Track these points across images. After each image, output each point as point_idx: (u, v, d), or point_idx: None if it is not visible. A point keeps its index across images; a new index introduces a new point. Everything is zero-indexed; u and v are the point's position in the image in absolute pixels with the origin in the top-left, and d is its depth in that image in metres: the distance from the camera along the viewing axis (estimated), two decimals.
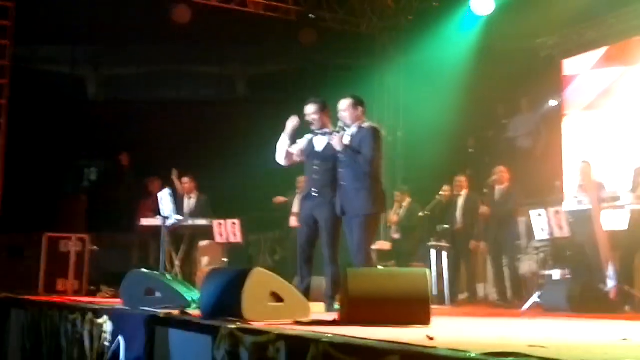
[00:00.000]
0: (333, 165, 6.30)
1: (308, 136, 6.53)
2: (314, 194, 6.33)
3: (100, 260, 10.74)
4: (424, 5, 12.62)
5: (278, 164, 6.58)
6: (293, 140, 6.46)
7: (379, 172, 6.21)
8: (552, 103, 11.99)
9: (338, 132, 6.16)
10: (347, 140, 6.12)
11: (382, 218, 12.82)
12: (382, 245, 11.07)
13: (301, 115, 6.45)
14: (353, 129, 6.19)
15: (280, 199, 10.63)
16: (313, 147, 6.44)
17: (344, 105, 6.22)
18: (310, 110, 6.34)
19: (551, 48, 11.89)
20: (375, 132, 6.15)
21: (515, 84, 13.24)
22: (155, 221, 9.19)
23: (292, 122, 6.37)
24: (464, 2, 11.44)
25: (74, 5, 13.88)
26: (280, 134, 6.50)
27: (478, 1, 11.08)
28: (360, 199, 6.01)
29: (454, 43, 12.43)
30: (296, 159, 6.54)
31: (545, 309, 7.15)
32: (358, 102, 6.24)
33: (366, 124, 6.24)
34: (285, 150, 6.46)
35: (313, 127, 6.39)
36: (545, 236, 8.14)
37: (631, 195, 7.30)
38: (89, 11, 14.70)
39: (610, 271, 7.33)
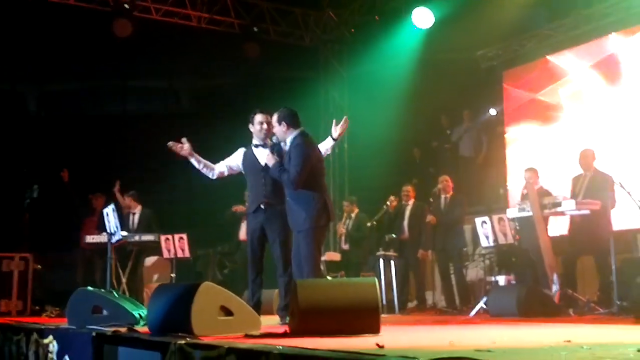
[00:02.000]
0: None
1: (241, 150, 6.48)
2: (262, 206, 6.31)
3: (44, 280, 10.49)
4: (365, 18, 12.77)
5: (223, 177, 6.58)
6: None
7: (316, 184, 5.96)
8: (492, 112, 12.22)
9: (272, 148, 6.09)
10: (270, 160, 6.00)
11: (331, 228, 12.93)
12: (331, 256, 11.12)
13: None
14: (287, 142, 6.04)
15: (240, 207, 10.41)
16: (256, 160, 6.39)
17: (273, 120, 6.08)
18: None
19: (492, 59, 12.14)
20: (299, 149, 5.90)
21: (458, 95, 13.47)
22: (101, 238, 9.04)
23: (177, 149, 6.33)
24: (405, 15, 11.61)
25: (15, 21, 13.65)
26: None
27: (419, 14, 11.24)
28: (300, 214, 5.92)
29: (396, 55, 12.61)
30: (228, 173, 6.54)
31: (492, 314, 7.27)
32: (282, 117, 6.00)
33: (292, 139, 5.98)
34: (202, 169, 6.47)
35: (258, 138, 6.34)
36: (491, 243, 8.30)
37: (571, 201, 7.48)
38: (30, 26, 14.46)
39: (554, 276, 7.51)
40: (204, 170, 6.50)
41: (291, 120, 6.01)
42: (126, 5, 11.21)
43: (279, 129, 6.01)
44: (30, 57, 16.46)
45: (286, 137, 6.00)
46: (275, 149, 6.08)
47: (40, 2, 11.04)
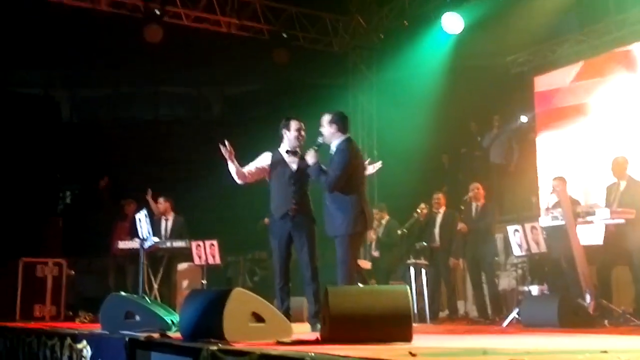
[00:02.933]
0: (307, 183, 6.36)
1: (268, 153, 6.46)
2: (290, 213, 6.31)
3: (77, 285, 10.60)
4: (395, 24, 12.74)
5: (253, 183, 6.57)
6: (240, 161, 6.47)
7: (356, 190, 6.01)
8: (523, 119, 12.12)
9: (317, 147, 6.14)
10: (312, 159, 6.06)
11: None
12: (362, 264, 11.08)
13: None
14: (333, 146, 6.14)
15: (267, 221, 10.42)
16: (286, 166, 6.39)
17: (323, 121, 6.14)
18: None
19: (522, 65, 12.07)
20: (342, 153, 6.01)
21: (488, 101, 13.41)
22: (133, 244, 9.10)
23: (224, 151, 6.31)
24: (434, 21, 11.58)
25: (48, 28, 13.85)
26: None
27: (448, 20, 11.20)
28: (337, 218, 5.96)
29: (425, 61, 12.56)
30: (254, 177, 6.49)
31: (525, 324, 7.18)
32: (334, 120, 6.10)
33: (338, 143, 6.08)
34: (235, 173, 6.41)
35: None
36: (523, 252, 8.20)
37: (606, 210, 7.38)
38: (62, 33, 14.67)
39: (588, 286, 7.40)
40: (237, 174, 6.44)
41: (342, 125, 6.12)
42: (157, 11, 11.32)
43: (328, 130, 6.09)
44: (63, 63, 16.72)
45: (333, 139, 6.09)
46: (319, 149, 6.12)
47: (73, 8, 11.18)
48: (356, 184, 6.04)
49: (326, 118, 6.12)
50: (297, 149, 6.41)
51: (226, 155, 6.30)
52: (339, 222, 5.94)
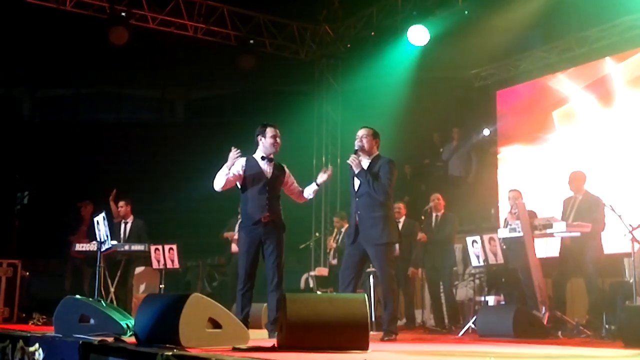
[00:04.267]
0: (279, 190, 6.39)
1: (242, 160, 6.40)
2: (263, 220, 6.28)
3: (32, 287, 10.43)
4: (361, 34, 12.82)
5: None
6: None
7: (392, 202, 6.42)
8: (486, 132, 12.28)
9: (356, 153, 6.32)
10: (358, 166, 6.28)
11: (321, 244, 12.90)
12: (320, 271, 11.09)
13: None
14: (370, 157, 6.37)
15: (231, 234, 10.36)
16: (262, 172, 6.37)
17: (365, 132, 6.40)
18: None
19: (485, 79, 12.22)
20: (392, 164, 6.33)
21: (451, 113, 13.54)
22: (90, 246, 8.99)
23: (233, 154, 6.29)
24: (400, 33, 11.67)
25: (11, 26, 13.65)
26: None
27: (414, 32, 11.30)
28: (378, 227, 6.17)
29: (391, 72, 12.65)
30: (232, 184, 6.43)
31: (481, 334, 7.26)
32: (377, 134, 6.44)
33: (375, 157, 6.38)
34: (223, 179, 6.33)
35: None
36: (481, 263, 8.30)
37: (562, 223, 7.50)
38: (26, 31, 14.47)
39: (543, 298, 7.51)
40: (225, 181, 6.33)
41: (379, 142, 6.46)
42: (123, 14, 11.23)
43: (372, 142, 6.38)
44: (26, 62, 16.48)
45: (373, 152, 6.39)
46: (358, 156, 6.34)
47: (37, 7, 11.02)
48: (392, 196, 6.37)
49: (370, 131, 6.44)
50: (272, 156, 6.40)
51: (233, 158, 6.26)
52: (379, 231, 6.18)
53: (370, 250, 6.20)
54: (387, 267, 6.19)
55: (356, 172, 6.28)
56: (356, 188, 6.35)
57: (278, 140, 6.38)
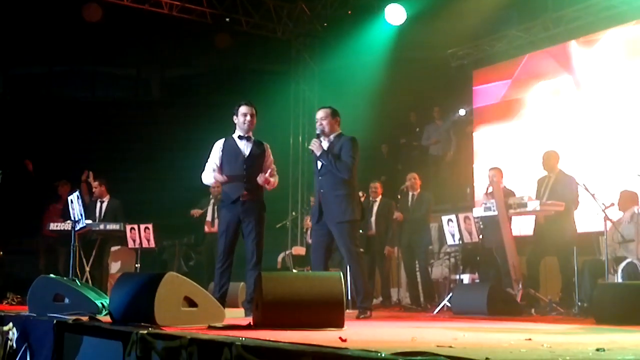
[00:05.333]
0: (258, 169, 6.36)
1: (219, 142, 6.43)
2: (242, 198, 6.27)
3: (6, 266, 10.34)
4: (338, 13, 12.78)
5: (191, 168, 6.51)
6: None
7: (356, 180, 6.34)
8: (462, 112, 12.32)
9: (318, 137, 6.32)
10: (318, 149, 6.27)
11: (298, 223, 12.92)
12: (297, 250, 11.11)
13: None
14: (331, 137, 6.34)
15: (197, 211, 10.37)
16: (239, 151, 6.37)
17: (323, 113, 6.37)
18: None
19: (462, 58, 12.24)
20: (354, 141, 6.30)
21: (428, 93, 13.56)
22: (65, 225, 8.93)
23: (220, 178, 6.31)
24: (377, 12, 11.63)
25: None
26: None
27: (391, 11, 11.27)
28: (341, 205, 6.15)
29: (367, 51, 12.64)
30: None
31: (456, 312, 7.33)
32: (336, 113, 6.41)
33: (339, 135, 6.37)
34: (213, 175, 6.35)
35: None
36: (456, 242, 8.36)
37: (536, 202, 7.56)
38: None
39: (517, 275, 7.60)
40: (212, 175, 6.40)
41: (340, 119, 6.43)
42: None
43: (332, 122, 6.36)
44: None
45: (334, 132, 6.36)
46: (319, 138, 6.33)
47: None
48: (355, 174, 6.31)
49: (328, 111, 6.40)
50: (250, 134, 6.40)
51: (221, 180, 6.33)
52: (342, 209, 6.15)
53: (333, 228, 6.19)
54: (351, 244, 6.18)
55: (318, 154, 6.28)
56: (319, 167, 6.35)
57: (249, 118, 6.35)
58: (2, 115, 15.75)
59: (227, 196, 6.36)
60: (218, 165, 6.39)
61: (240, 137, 6.41)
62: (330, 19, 13.10)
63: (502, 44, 11.67)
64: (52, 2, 12.68)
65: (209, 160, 6.44)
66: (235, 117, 6.41)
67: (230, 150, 6.39)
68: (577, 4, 10.46)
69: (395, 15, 11.35)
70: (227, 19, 12.31)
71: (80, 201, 7.61)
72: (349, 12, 12.53)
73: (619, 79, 9.74)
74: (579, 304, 6.98)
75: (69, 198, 7.87)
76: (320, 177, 6.33)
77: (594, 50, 10.13)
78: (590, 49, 10.20)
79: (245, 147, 6.39)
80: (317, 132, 6.39)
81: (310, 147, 6.38)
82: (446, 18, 12.01)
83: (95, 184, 9.80)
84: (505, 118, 11.28)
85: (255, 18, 12.98)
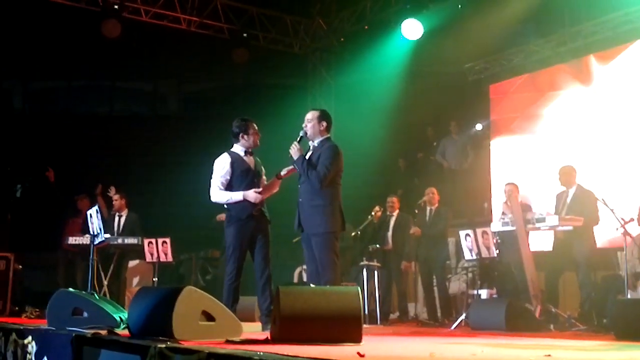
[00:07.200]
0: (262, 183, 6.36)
1: (225, 157, 6.32)
2: (256, 213, 6.25)
3: (25, 280, 10.41)
4: (355, 27, 12.82)
5: (208, 182, 6.49)
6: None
7: (336, 190, 6.02)
8: (478, 127, 12.30)
9: (299, 140, 6.07)
10: (297, 153, 5.99)
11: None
12: None
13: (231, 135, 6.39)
14: (315, 142, 6.11)
15: (222, 216, 10.36)
16: (249, 166, 6.35)
17: (311, 115, 6.12)
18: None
19: (479, 73, 12.22)
20: (333, 150, 5.99)
21: (444, 108, 13.54)
22: (84, 240, 8.98)
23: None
24: (394, 26, 11.66)
25: (2, 17, 13.57)
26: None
27: (408, 26, 11.29)
28: (316, 216, 5.91)
29: (384, 66, 12.65)
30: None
31: (473, 327, 7.29)
32: (324, 116, 6.11)
33: (323, 140, 6.07)
34: (224, 194, 6.30)
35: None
36: (474, 256, 8.32)
37: (555, 217, 7.52)
38: (18, 23, 14.39)
39: (535, 291, 7.54)
40: (224, 194, 6.32)
41: (329, 124, 6.11)
42: (116, 6, 11.20)
43: (316, 126, 6.05)
44: (18, 54, 16.39)
45: (318, 137, 6.06)
46: (301, 142, 6.06)
47: None
48: (336, 185, 6.03)
49: (315, 114, 6.12)
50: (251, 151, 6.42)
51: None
52: (318, 220, 5.89)
53: (311, 239, 5.97)
54: (325, 256, 5.85)
55: (295, 159, 6.01)
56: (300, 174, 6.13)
57: (258, 135, 6.38)
58: (22, 130, 15.89)
59: (241, 212, 6.26)
60: (227, 181, 6.30)
61: (245, 153, 6.38)
62: (347, 34, 13.14)
63: (519, 58, 11.65)
64: (71, 17, 12.80)
65: (214, 177, 6.30)
66: (243, 133, 6.34)
67: (240, 166, 6.34)
68: (594, 18, 10.43)
69: (411, 29, 11.36)
70: (245, 34, 12.38)
71: (99, 215, 7.66)
72: (366, 27, 12.56)
73: (637, 94, 9.68)
74: (599, 319, 6.92)
75: (88, 212, 7.91)
76: (299, 185, 6.09)
77: (612, 64, 10.08)
78: (608, 63, 10.14)
79: (251, 162, 6.39)
80: (300, 134, 6.09)
81: (290, 149, 6.10)
82: (463, 32, 12.01)
83: (115, 197, 9.86)
84: (523, 132, 11.22)
85: (272, 33, 13.05)
